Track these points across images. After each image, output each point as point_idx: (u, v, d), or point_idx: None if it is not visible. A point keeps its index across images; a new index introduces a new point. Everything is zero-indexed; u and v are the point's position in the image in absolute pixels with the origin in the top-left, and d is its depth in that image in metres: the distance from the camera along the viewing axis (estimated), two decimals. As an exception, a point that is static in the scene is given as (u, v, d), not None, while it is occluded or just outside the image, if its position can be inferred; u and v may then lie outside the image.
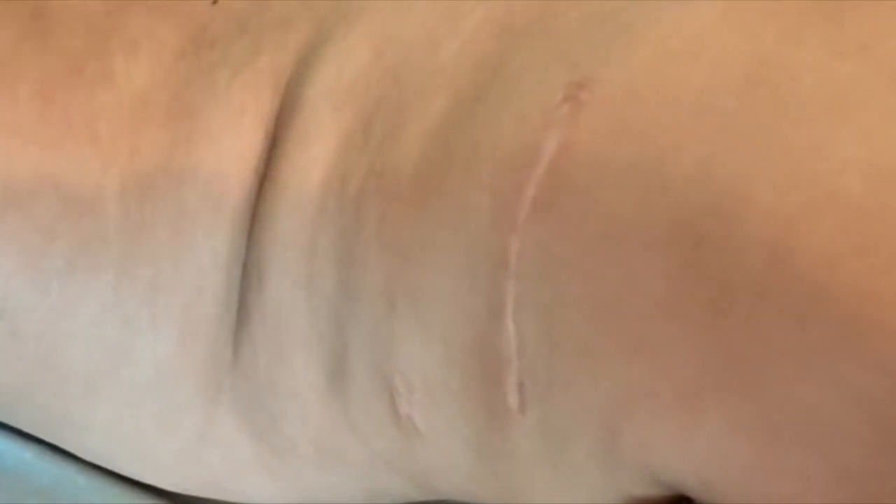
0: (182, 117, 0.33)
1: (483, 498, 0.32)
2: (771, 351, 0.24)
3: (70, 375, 0.34)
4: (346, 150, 0.31)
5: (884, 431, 0.23)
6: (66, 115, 0.32)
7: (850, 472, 0.24)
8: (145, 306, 0.33)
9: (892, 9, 0.25)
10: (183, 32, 0.34)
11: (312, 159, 0.32)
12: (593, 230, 0.26)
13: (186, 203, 0.32)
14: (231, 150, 0.33)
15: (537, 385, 0.28)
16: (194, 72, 0.33)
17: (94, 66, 0.33)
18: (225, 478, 0.35)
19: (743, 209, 0.24)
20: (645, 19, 0.28)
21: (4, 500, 0.37)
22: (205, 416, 0.34)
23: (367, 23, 0.32)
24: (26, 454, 0.37)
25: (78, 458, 0.38)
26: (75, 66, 0.33)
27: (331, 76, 0.32)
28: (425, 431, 0.31)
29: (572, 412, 0.27)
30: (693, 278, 0.25)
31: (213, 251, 0.33)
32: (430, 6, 0.32)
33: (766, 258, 0.24)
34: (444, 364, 0.29)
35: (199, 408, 0.34)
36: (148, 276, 0.33)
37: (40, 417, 0.36)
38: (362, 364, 0.31)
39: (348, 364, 0.31)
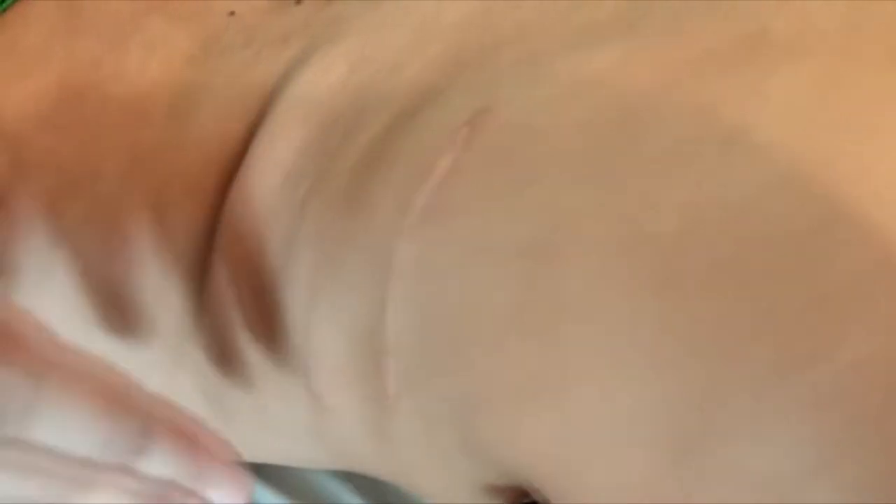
0: (175, 119, 0.37)
1: (384, 475, 0.36)
2: (578, 366, 0.27)
3: None
4: (304, 157, 0.35)
5: (674, 446, 0.26)
6: (79, 106, 0.37)
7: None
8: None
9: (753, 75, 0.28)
10: (196, 39, 0.38)
11: (275, 163, 0.36)
12: (469, 242, 0.29)
13: (170, 192, 0.37)
14: (212, 151, 0.37)
15: (411, 376, 0.31)
16: (196, 77, 0.38)
17: (112, 63, 0.38)
18: None
19: (576, 236, 0.27)
20: (557, 60, 0.31)
21: None
22: (167, 377, 0.38)
23: (349, 42, 0.36)
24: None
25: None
26: (95, 61, 0.38)
27: (307, 88, 0.36)
28: (332, 409, 0.34)
29: (438, 404, 0.31)
30: (533, 293, 0.28)
31: (191, 232, 0.37)
32: (406, 32, 0.35)
33: (585, 281, 0.27)
34: (346, 350, 0.33)
35: (162, 369, 0.38)
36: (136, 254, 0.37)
37: None
38: (290, 345, 0.35)
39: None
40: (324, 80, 0.36)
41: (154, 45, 0.39)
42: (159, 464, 0.29)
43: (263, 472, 0.43)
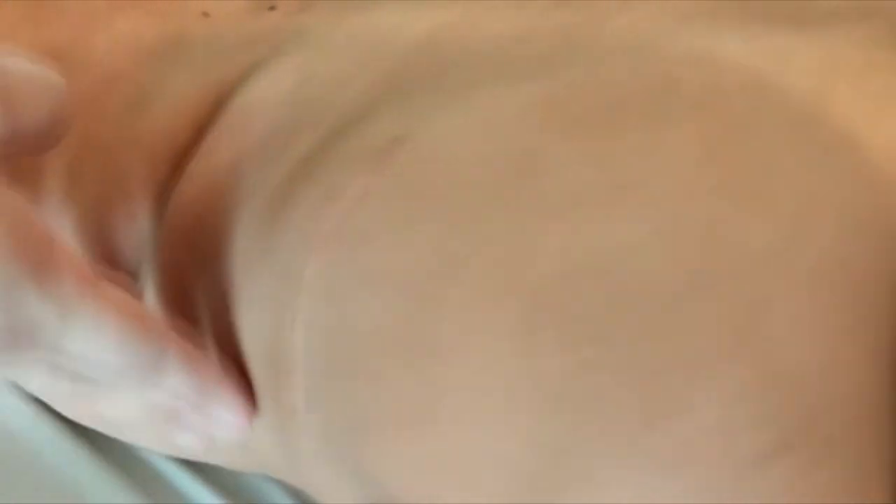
0: (129, 115, 0.38)
1: (295, 485, 0.36)
2: (447, 404, 0.28)
3: None
4: (242, 165, 0.35)
5: (529, 492, 0.26)
6: None
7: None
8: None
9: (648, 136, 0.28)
10: (164, 37, 0.39)
11: (216, 168, 0.36)
12: (366, 269, 0.30)
13: (116, 187, 0.37)
14: (161, 151, 0.37)
15: (315, 393, 0.31)
16: (159, 71, 0.38)
17: (78, 54, 0.38)
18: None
19: (458, 275, 0.28)
20: (481, 92, 0.31)
21: None
22: None
23: (304, 55, 0.37)
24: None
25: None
26: (60, 50, 0.38)
27: (256, 96, 0.37)
28: None
29: (335, 424, 0.31)
30: (415, 327, 0.28)
31: (133, 228, 0.37)
32: (358, 51, 0.36)
33: (461, 322, 0.28)
34: (259, 358, 0.33)
35: None
36: (75, 216, 0.37)
37: None
38: (210, 348, 0.35)
39: (206, 346, 0.35)
40: (273, 89, 0.37)
41: (120, 39, 0.39)
42: (170, 385, 0.32)
43: (202, 472, 0.44)
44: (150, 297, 0.37)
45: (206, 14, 0.40)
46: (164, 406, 0.33)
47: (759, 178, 0.27)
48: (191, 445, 0.35)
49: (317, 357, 0.31)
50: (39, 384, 0.31)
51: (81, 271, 0.29)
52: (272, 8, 0.40)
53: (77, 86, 0.38)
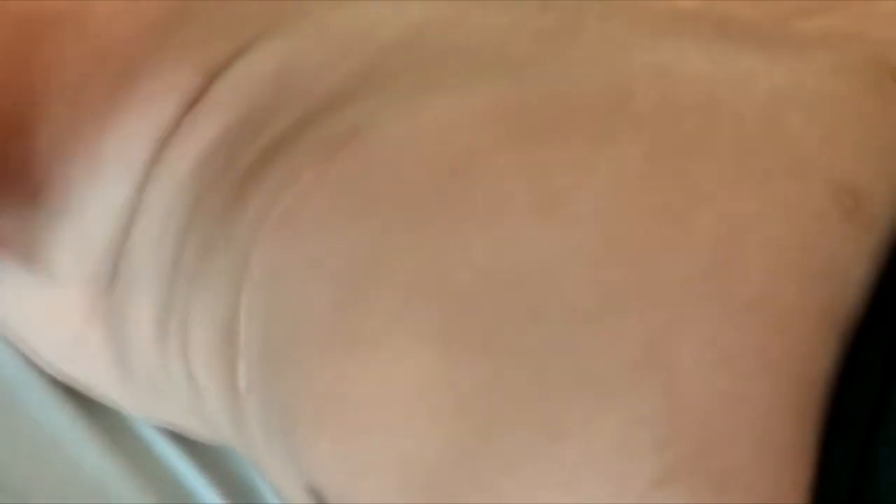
0: (121, 84, 0.38)
1: (247, 457, 0.37)
2: (364, 399, 0.28)
3: None
4: (217, 145, 0.36)
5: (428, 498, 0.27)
6: (30, 55, 0.38)
7: None
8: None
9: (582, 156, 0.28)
10: (164, 8, 0.39)
11: (192, 144, 0.36)
12: (305, 259, 0.30)
13: (103, 155, 0.38)
14: (148, 124, 0.38)
15: (253, 378, 0.32)
16: (151, 45, 0.39)
17: (78, 16, 0.39)
18: (91, 378, 0.41)
19: (385, 275, 0.28)
20: (442, 92, 0.31)
21: None
22: (78, 325, 0.40)
23: (290, 38, 0.37)
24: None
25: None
26: (60, 13, 0.39)
27: (238, 76, 0.37)
28: (202, 388, 0.36)
29: (269, 411, 0.32)
30: (340, 321, 0.29)
31: (120, 195, 0.38)
32: (341, 39, 0.36)
33: (383, 322, 0.28)
34: (211, 339, 0.34)
35: (74, 316, 0.40)
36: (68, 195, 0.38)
37: None
38: (174, 324, 0.36)
39: (168, 320, 0.36)
40: (255, 71, 0.37)
41: (122, 9, 0.40)
42: None
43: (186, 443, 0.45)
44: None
45: None
46: None
47: (691, 203, 0.26)
48: None
49: (254, 342, 0.31)
50: None
51: None
52: None
53: (73, 50, 0.39)
